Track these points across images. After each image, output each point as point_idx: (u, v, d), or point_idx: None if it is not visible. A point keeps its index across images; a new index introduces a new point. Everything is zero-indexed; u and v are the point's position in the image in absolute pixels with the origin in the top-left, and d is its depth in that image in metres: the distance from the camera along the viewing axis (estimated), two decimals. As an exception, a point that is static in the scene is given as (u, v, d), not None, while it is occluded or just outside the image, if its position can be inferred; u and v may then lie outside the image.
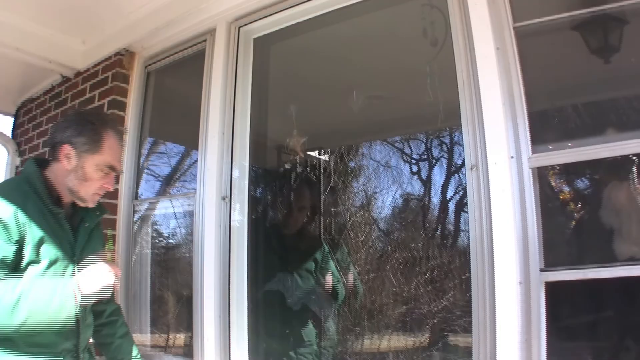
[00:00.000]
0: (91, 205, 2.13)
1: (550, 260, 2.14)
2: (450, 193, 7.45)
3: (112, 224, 3.27)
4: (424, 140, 7.72)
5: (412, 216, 7.12)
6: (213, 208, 2.89)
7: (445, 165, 7.59)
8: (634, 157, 2.80)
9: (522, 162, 2.13)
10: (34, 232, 1.92)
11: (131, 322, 3.20)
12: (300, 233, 3.81)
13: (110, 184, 2.13)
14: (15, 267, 1.90)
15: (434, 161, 7.76)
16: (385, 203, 7.50)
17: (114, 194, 3.29)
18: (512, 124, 2.16)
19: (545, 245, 2.15)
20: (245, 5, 2.93)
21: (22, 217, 1.89)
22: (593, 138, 2.20)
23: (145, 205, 3.37)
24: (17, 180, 2.11)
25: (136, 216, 3.38)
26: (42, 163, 2.10)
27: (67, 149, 2.02)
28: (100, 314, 2.32)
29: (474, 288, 2.17)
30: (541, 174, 2.19)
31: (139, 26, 3.22)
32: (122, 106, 3.38)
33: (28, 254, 1.91)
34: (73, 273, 2.02)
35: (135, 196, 3.37)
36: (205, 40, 3.09)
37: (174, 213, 3.28)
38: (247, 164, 2.96)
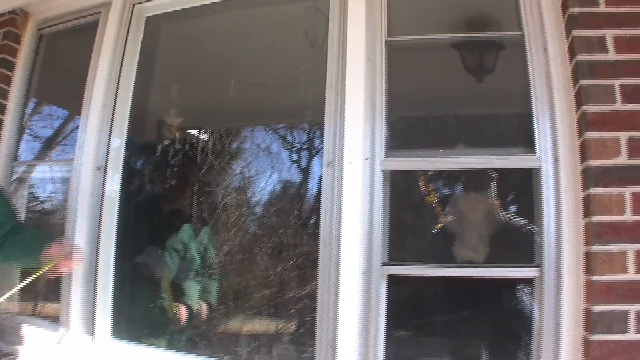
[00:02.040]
0: None
1: (394, 256, 2.30)
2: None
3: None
4: (307, 131, 7.74)
5: (287, 203, 7.10)
6: (88, 177, 2.86)
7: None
8: (492, 173, 3.02)
9: (375, 164, 2.27)
10: None
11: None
12: (173, 210, 3.76)
13: None
14: None
15: (314, 152, 7.81)
16: (262, 188, 7.47)
17: (-8, 151, 3.17)
18: (370, 129, 2.32)
19: (390, 242, 2.31)
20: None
21: None
22: (445, 150, 2.38)
23: (23, 168, 3.25)
24: None
25: (13, 177, 3.25)
26: None
27: None
28: None
29: (320, 274, 2.31)
30: (393, 177, 2.34)
31: (35, -13, 3.11)
32: (11, 66, 3.25)
33: None
34: None
35: (15, 157, 3.24)
36: (100, 12, 3.04)
37: (51, 178, 3.18)
38: (124, 137, 2.93)
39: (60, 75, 3.16)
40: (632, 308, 1.87)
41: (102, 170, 2.85)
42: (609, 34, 2.04)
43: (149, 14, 3.01)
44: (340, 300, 2.23)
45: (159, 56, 3.29)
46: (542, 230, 2.07)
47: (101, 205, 2.83)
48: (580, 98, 2.04)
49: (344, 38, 2.43)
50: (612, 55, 2.03)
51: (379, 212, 2.27)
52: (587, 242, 1.96)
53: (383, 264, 2.25)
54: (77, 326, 2.75)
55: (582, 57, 2.06)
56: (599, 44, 2.05)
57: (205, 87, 4.40)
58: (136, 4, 2.96)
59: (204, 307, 3.55)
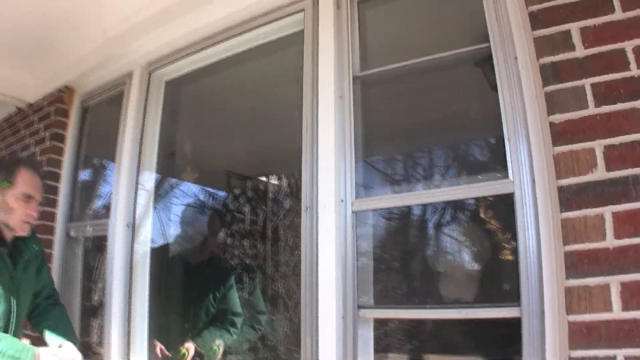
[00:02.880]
0: (22, 233, 2.33)
1: (370, 298, 2.13)
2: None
3: (49, 244, 3.42)
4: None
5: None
6: (120, 234, 2.98)
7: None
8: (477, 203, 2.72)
9: (347, 206, 2.12)
10: None
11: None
12: (204, 262, 3.70)
13: (32, 210, 2.32)
14: None
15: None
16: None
17: (51, 216, 3.45)
18: (342, 171, 2.18)
19: (363, 284, 2.12)
20: (157, 52, 3.06)
21: None
22: (416, 184, 2.16)
23: (75, 227, 3.47)
24: None
25: (71, 235, 3.50)
26: None
27: None
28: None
29: (302, 319, 2.19)
30: (364, 217, 2.17)
31: (75, 67, 3.38)
32: (62, 138, 3.54)
33: None
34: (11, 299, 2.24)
35: (70, 219, 3.49)
36: (125, 83, 3.22)
37: (92, 237, 3.38)
38: (151, 193, 3.05)
39: (101, 141, 3.37)
40: (619, 353, 1.49)
41: (131, 226, 2.97)
42: (575, 27, 1.73)
43: (167, 79, 3.15)
44: (320, 345, 2.08)
45: (182, 113, 3.40)
46: (520, 263, 1.75)
47: (131, 258, 2.93)
48: (547, 107, 1.73)
49: (316, 78, 2.32)
50: (579, 52, 1.71)
51: (353, 253, 2.10)
52: (567, 276, 1.62)
53: (359, 307, 2.06)
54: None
55: (545, 59, 1.76)
56: (564, 41, 1.73)
57: (220, 138, 4.45)
58: (152, 71, 3.10)
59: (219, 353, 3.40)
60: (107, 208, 3.33)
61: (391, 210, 2.48)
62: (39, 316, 2.52)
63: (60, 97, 3.55)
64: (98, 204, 3.68)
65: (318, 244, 2.16)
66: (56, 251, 3.44)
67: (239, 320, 3.50)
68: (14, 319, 2.27)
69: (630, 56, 1.62)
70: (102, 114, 3.49)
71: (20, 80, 3.72)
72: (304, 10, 2.48)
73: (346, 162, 2.17)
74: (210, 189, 5.65)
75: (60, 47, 3.31)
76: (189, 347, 3.22)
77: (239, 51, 2.81)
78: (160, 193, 3.66)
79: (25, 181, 2.31)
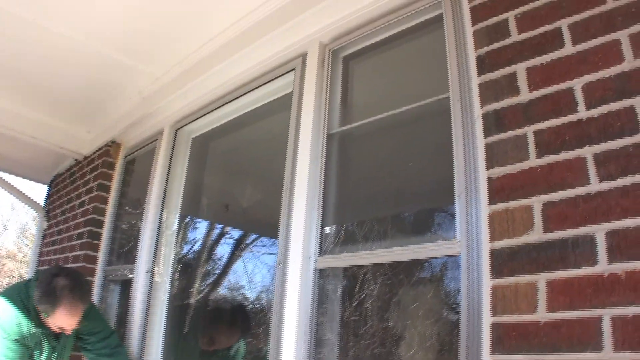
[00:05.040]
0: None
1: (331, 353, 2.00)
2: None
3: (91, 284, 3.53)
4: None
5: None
6: (141, 278, 3.01)
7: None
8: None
9: (310, 262, 1.99)
10: (30, 342, 2.50)
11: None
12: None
13: (68, 332, 2.55)
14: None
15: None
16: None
17: (93, 260, 3.57)
18: (314, 228, 2.06)
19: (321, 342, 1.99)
20: (181, 112, 3.14)
21: (24, 332, 2.48)
22: (374, 244, 1.99)
23: (110, 271, 3.56)
24: (18, 302, 2.52)
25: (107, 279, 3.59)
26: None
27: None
28: None
29: None
30: (325, 274, 2.01)
31: (118, 124, 3.55)
32: (107, 189, 3.68)
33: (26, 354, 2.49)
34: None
35: (108, 263, 3.58)
36: (156, 140, 3.32)
37: (121, 281, 3.43)
38: (172, 245, 3.08)
39: (141, 192, 3.45)
40: None
41: (150, 273, 2.98)
42: (521, 68, 1.49)
43: (194, 135, 3.20)
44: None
45: (208, 164, 3.43)
46: (460, 332, 1.48)
47: (148, 302, 2.95)
48: (487, 161, 1.49)
49: (297, 137, 2.23)
50: (524, 95, 1.46)
51: (313, 308, 1.94)
52: (492, 351, 1.34)
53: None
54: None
55: (488, 107, 1.53)
56: (509, 85, 1.50)
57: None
58: (178, 128, 3.17)
59: None
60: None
61: (351, 268, 2.27)
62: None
63: (108, 151, 3.72)
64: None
65: (285, 299, 2.03)
66: (95, 292, 3.53)
67: None
68: None
69: (579, 95, 1.36)
70: (142, 167, 3.60)
71: (77, 136, 3.97)
72: (294, 69, 2.42)
73: (313, 222, 2.06)
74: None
75: (107, 107, 3.49)
76: None
77: (246, 111, 2.81)
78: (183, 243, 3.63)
79: (61, 319, 2.47)
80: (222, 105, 2.87)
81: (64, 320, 2.46)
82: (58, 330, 2.52)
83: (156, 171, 3.19)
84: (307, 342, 1.92)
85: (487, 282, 1.40)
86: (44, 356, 2.56)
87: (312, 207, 2.07)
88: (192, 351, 3.31)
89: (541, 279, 1.29)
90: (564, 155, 1.34)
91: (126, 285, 3.38)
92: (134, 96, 3.26)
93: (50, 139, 3.82)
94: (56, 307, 2.44)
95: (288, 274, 2.06)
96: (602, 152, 1.28)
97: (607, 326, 1.16)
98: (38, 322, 2.50)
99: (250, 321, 3.95)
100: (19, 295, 2.53)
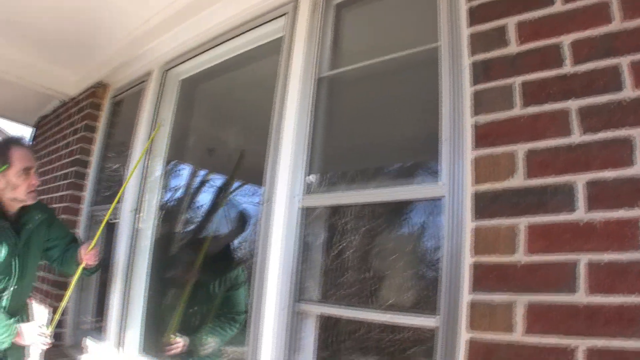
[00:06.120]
0: (31, 201, 2.48)
1: (312, 293, 2.02)
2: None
3: (75, 225, 3.51)
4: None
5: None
6: (126, 218, 3.01)
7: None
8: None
9: (295, 202, 1.99)
10: None
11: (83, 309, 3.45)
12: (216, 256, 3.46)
13: (34, 180, 2.44)
14: None
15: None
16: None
17: (78, 200, 3.54)
18: (301, 168, 2.06)
19: (307, 279, 2.03)
20: (171, 53, 3.06)
21: None
22: (360, 185, 2.00)
23: (96, 211, 3.55)
24: None
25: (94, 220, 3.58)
26: None
27: None
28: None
29: (251, 309, 2.09)
30: (311, 213, 2.02)
31: (106, 65, 3.46)
32: (93, 129, 3.62)
33: None
34: (14, 264, 2.42)
35: (94, 203, 3.56)
36: (144, 81, 3.25)
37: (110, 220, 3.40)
38: (158, 187, 3.06)
39: (124, 132, 3.40)
40: (516, 381, 1.24)
41: (134, 211, 2.97)
42: (512, 22, 1.49)
43: (182, 77, 3.13)
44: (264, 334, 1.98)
45: (196, 108, 3.38)
46: (442, 271, 1.52)
47: (134, 239, 2.95)
48: (474, 108, 1.50)
49: (287, 80, 2.21)
50: (513, 48, 1.47)
51: (297, 246, 1.97)
52: (472, 289, 1.38)
53: (296, 301, 1.92)
54: (112, 341, 2.88)
55: (477, 57, 1.54)
56: (499, 38, 1.50)
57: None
58: (167, 70, 3.09)
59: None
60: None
61: (338, 208, 2.30)
62: (62, 260, 2.67)
63: (95, 92, 3.64)
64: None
65: (270, 237, 2.05)
66: (81, 231, 3.52)
67: (240, 318, 3.25)
68: (14, 281, 2.43)
69: (566, 51, 1.37)
70: (129, 109, 3.54)
71: (64, 77, 3.87)
72: (286, 14, 2.37)
73: (300, 161, 2.05)
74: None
75: (95, 48, 3.38)
76: (179, 342, 3.04)
77: (236, 54, 2.75)
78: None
79: (19, 158, 2.40)
80: (213, 48, 2.79)
81: (22, 158, 2.40)
82: (27, 192, 2.42)
83: (144, 111, 3.12)
84: (290, 279, 1.95)
85: (469, 224, 1.44)
86: (2, 255, 2.35)
87: (299, 148, 2.06)
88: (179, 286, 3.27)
89: (521, 223, 1.32)
90: (549, 107, 1.36)
91: (111, 228, 3.37)
92: (123, 38, 3.17)
93: (37, 79, 3.72)
94: (9, 149, 2.39)
95: (273, 212, 2.06)
96: (585, 106, 1.31)
97: (582, 270, 1.20)
98: None
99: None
100: None
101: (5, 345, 2.31)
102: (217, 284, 3.23)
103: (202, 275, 3.21)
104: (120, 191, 2.86)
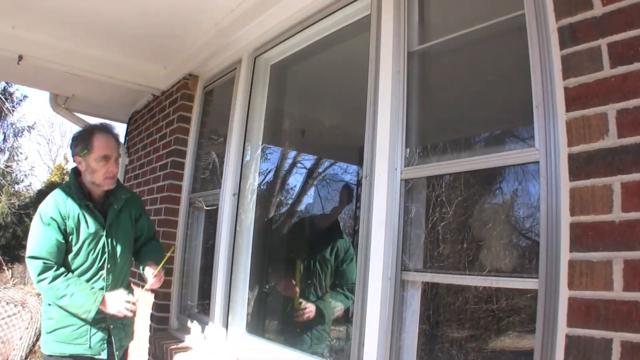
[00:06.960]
0: (108, 187, 2.81)
1: (415, 262, 2.16)
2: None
3: (175, 213, 3.90)
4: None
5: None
6: (228, 202, 3.31)
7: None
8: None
9: (396, 174, 2.16)
10: (72, 219, 2.68)
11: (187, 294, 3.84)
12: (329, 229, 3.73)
13: (112, 167, 2.77)
14: (66, 244, 2.68)
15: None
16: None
17: (178, 189, 3.92)
18: (399, 141, 2.21)
19: (409, 248, 2.17)
20: (259, 40, 3.31)
21: (63, 211, 2.67)
22: (456, 154, 2.12)
23: (195, 198, 3.90)
24: (62, 186, 2.82)
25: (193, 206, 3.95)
26: (79, 172, 2.82)
27: (76, 159, 2.77)
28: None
29: (358, 279, 2.27)
30: (409, 184, 2.18)
31: (195, 57, 3.77)
32: (187, 120, 3.97)
33: (72, 233, 2.68)
34: (104, 243, 2.77)
35: (193, 190, 3.91)
36: (235, 69, 3.54)
37: (209, 206, 3.73)
38: (257, 168, 3.35)
39: (222, 121, 3.68)
40: (616, 337, 1.36)
41: (237, 195, 3.26)
42: (595, -16, 1.57)
43: (272, 62, 3.39)
44: (369, 306, 2.18)
45: (286, 94, 3.61)
46: (540, 233, 1.65)
47: (235, 222, 3.24)
48: (563, 72, 1.60)
49: (379, 57, 2.37)
50: (598, 10, 1.55)
51: (399, 217, 2.14)
52: (571, 249, 1.51)
53: (402, 270, 2.10)
54: (218, 322, 3.22)
55: (563, 21, 1.64)
56: (582, 0, 1.58)
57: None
58: (257, 56, 3.36)
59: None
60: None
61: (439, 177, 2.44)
62: (136, 254, 3.04)
63: (186, 84, 3.98)
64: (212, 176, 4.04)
65: (372, 208, 2.24)
66: (181, 219, 3.90)
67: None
68: (107, 258, 2.78)
69: (652, 8, 1.44)
70: (220, 97, 3.83)
71: (153, 72, 4.26)
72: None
73: (398, 133, 2.21)
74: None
75: (182, 41, 3.70)
76: (309, 306, 3.37)
77: (324, 36, 2.93)
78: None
79: (100, 145, 2.72)
80: (300, 32, 3.00)
81: (102, 146, 2.70)
82: (104, 178, 2.72)
83: (237, 98, 3.41)
84: (394, 248, 2.13)
85: (565, 186, 1.55)
86: (90, 232, 2.68)
87: (396, 122, 2.22)
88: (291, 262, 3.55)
89: (616, 182, 1.43)
90: (637, 66, 1.43)
91: (210, 214, 3.70)
92: (209, 29, 3.44)
93: (127, 76, 4.12)
94: (92, 135, 2.71)
95: (375, 185, 2.25)
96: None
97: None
98: (79, 194, 2.71)
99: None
100: (63, 185, 2.83)
101: (92, 314, 2.61)
102: (329, 256, 3.52)
103: (314, 250, 3.51)
104: (166, 255, 3.00)
